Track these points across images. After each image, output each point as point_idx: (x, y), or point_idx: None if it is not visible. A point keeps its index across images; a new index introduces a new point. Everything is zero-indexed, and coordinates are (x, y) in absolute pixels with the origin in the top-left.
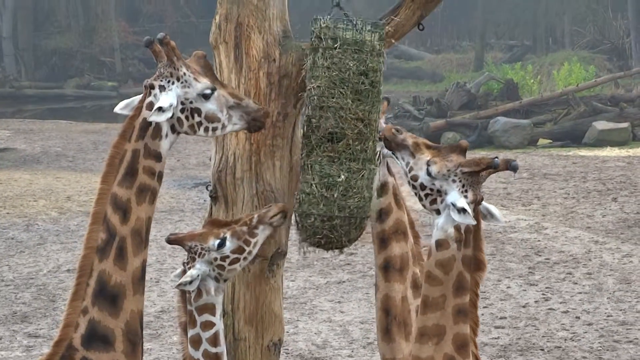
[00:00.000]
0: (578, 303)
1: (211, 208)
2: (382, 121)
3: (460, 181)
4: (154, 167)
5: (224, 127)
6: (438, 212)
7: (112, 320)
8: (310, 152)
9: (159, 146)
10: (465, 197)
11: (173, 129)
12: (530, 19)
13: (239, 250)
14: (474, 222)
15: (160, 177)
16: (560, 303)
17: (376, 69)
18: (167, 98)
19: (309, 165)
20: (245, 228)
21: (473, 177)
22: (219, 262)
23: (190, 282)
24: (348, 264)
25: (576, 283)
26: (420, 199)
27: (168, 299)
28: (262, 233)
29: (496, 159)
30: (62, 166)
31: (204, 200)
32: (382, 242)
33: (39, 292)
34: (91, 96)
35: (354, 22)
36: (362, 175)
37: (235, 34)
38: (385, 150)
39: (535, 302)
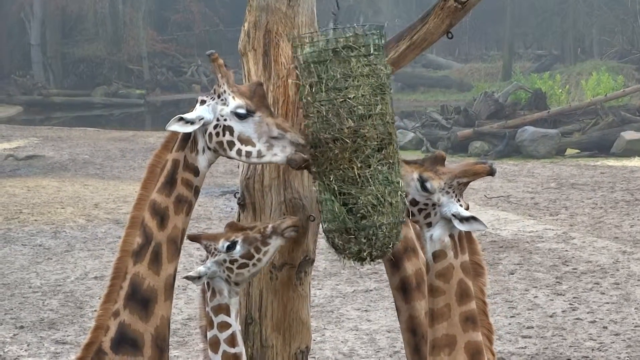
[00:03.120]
0: (605, 313)
1: (239, 216)
2: None
3: (454, 191)
4: (191, 180)
5: (260, 154)
6: (429, 224)
7: (142, 325)
8: (367, 164)
9: (196, 160)
10: (461, 205)
11: (208, 145)
12: (558, 28)
13: (248, 255)
14: (486, 227)
15: (197, 191)
16: (588, 313)
17: (390, 69)
18: (197, 111)
19: (369, 177)
20: (258, 235)
21: (464, 186)
22: (227, 264)
23: (198, 278)
24: (375, 272)
25: (604, 293)
26: (412, 215)
27: (195, 307)
28: (275, 243)
29: (493, 166)
30: (89, 173)
31: (231, 209)
32: (394, 264)
33: (66, 298)
34: (119, 104)
35: (377, 28)
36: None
37: (264, 41)
38: None
39: (563, 311)
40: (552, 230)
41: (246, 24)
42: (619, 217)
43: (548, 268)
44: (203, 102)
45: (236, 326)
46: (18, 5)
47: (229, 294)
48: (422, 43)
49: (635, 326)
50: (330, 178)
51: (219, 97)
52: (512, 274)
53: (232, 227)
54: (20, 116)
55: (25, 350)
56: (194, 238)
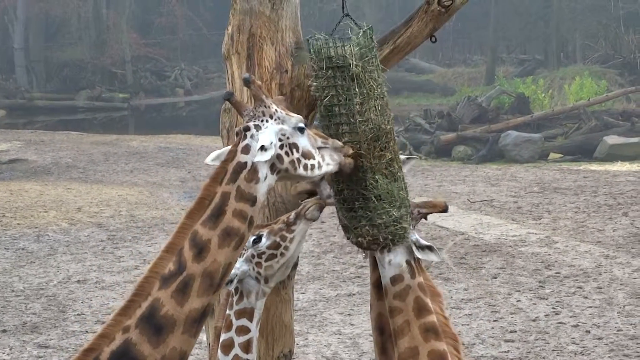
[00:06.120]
0: (588, 317)
1: None
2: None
3: (413, 220)
4: (246, 211)
5: (319, 166)
6: (389, 249)
7: (148, 347)
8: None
9: (256, 189)
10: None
11: (273, 168)
12: (541, 33)
13: (275, 245)
14: (440, 259)
15: (251, 222)
16: (571, 317)
17: None
18: (267, 136)
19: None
20: (282, 225)
21: (422, 217)
22: (256, 259)
23: (230, 281)
24: (358, 276)
25: (586, 297)
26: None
27: None
28: (299, 229)
29: (447, 204)
30: (72, 177)
31: None
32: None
33: (49, 302)
34: (102, 108)
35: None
36: None
37: (247, 44)
38: None
39: (546, 315)
40: (535, 234)
41: (230, 28)
42: (601, 221)
43: (531, 272)
44: (258, 127)
45: (255, 333)
46: (1, 9)
47: (256, 296)
48: (405, 47)
49: (618, 330)
50: (396, 166)
51: (271, 117)
52: (495, 278)
53: (257, 226)
54: (3, 120)
55: (8, 355)
56: None
